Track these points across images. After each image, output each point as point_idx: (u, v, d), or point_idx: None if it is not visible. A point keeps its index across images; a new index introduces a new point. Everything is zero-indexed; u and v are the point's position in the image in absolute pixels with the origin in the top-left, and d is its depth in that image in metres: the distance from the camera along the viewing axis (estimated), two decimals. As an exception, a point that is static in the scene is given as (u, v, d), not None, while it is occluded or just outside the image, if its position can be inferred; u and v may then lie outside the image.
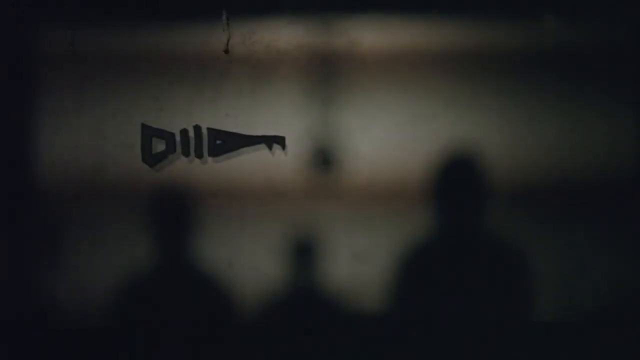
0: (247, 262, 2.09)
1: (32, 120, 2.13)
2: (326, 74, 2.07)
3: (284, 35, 2.09)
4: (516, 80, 2.05)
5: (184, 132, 2.09)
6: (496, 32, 2.06)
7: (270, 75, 2.09)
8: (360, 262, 2.07)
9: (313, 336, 2.07)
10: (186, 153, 2.09)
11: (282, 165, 2.08)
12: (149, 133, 2.09)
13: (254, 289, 2.09)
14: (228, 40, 2.05)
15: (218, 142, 2.08)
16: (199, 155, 2.09)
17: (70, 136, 2.13)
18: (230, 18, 2.09)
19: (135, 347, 2.11)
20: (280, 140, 2.07)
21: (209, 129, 2.08)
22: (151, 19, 2.11)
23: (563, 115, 2.05)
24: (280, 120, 2.08)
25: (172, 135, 2.09)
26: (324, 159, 2.07)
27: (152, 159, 2.09)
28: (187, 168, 2.10)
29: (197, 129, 2.08)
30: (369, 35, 2.07)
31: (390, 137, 2.06)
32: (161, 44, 2.11)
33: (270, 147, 2.08)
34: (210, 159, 2.09)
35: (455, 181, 2.06)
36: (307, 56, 2.08)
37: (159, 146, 2.10)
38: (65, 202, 2.12)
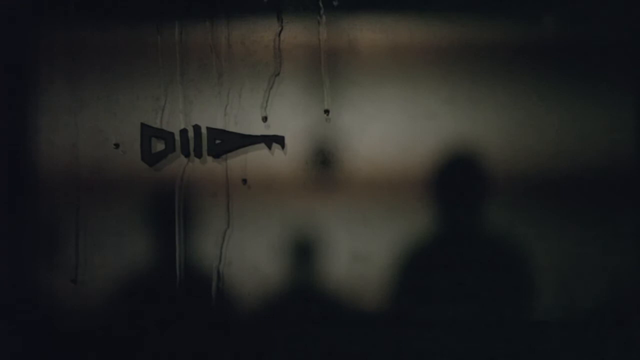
0: (247, 261, 2.08)
1: (32, 120, 2.14)
2: (326, 73, 2.07)
3: (283, 35, 2.09)
4: (516, 78, 2.05)
5: (184, 132, 2.09)
6: (496, 30, 2.05)
7: (270, 75, 2.09)
8: (360, 261, 2.06)
9: (312, 335, 2.07)
10: (186, 152, 2.09)
11: (282, 164, 2.08)
12: (148, 133, 2.10)
13: (253, 288, 2.09)
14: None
15: (217, 141, 2.08)
16: (199, 154, 2.09)
17: (70, 136, 2.13)
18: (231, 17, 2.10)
19: (134, 346, 2.11)
20: (280, 140, 2.07)
21: (208, 129, 2.08)
22: (151, 18, 2.12)
23: (563, 113, 2.04)
24: (280, 120, 2.08)
25: (172, 134, 2.09)
26: (323, 159, 2.07)
27: (151, 159, 2.10)
28: (186, 167, 2.10)
29: (196, 128, 2.09)
30: (369, 35, 2.07)
31: (390, 136, 2.06)
32: (161, 43, 2.11)
33: (269, 147, 2.08)
34: (209, 159, 2.09)
35: (455, 179, 2.06)
36: (307, 56, 2.08)
37: (159, 146, 2.10)
38: (65, 201, 2.12)
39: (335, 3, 2.05)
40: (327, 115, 2.04)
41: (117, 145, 2.10)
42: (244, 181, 2.07)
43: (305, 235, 2.07)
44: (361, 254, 2.06)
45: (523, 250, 2.04)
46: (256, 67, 2.09)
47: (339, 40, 2.08)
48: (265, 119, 2.04)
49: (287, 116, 2.08)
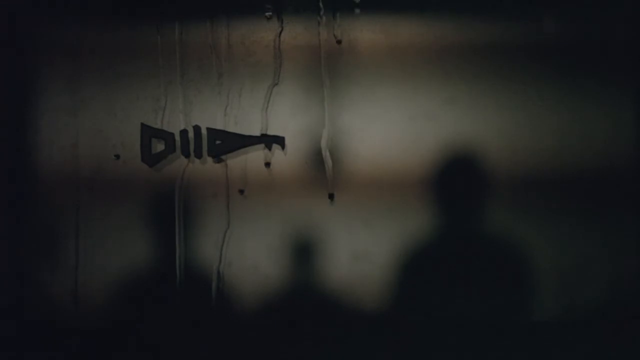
0: (247, 261, 2.09)
1: (32, 120, 2.14)
2: (326, 73, 2.07)
3: (283, 35, 2.09)
4: (516, 77, 2.05)
5: (184, 132, 2.09)
6: (496, 30, 2.05)
7: (270, 75, 2.09)
8: (360, 261, 2.06)
9: (312, 335, 2.07)
10: (186, 153, 2.09)
11: (282, 165, 2.08)
12: (148, 133, 2.10)
13: (253, 288, 2.09)
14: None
15: (217, 142, 2.08)
16: (199, 155, 2.09)
17: (70, 136, 2.13)
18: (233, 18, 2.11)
19: (134, 347, 2.11)
20: (280, 141, 2.07)
21: (208, 129, 2.08)
22: (151, 18, 2.11)
23: (564, 112, 2.04)
24: (280, 120, 2.08)
25: (172, 135, 2.09)
26: (323, 159, 2.07)
27: (151, 159, 2.10)
28: (186, 168, 2.10)
29: (196, 129, 2.09)
30: (369, 35, 2.07)
31: (390, 136, 2.06)
32: (161, 43, 2.11)
33: (269, 147, 2.08)
34: (209, 159, 2.09)
35: (456, 179, 2.06)
36: (307, 56, 2.08)
37: (159, 146, 2.10)
38: (65, 201, 2.12)
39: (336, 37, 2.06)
40: (332, 200, 2.05)
41: (117, 157, 2.10)
42: (241, 191, 2.07)
43: (305, 236, 2.08)
44: (361, 254, 2.06)
45: (524, 250, 2.04)
46: (256, 67, 2.09)
47: (339, 40, 2.08)
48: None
49: (287, 116, 2.08)
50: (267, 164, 2.04)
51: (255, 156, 2.09)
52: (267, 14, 2.08)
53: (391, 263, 2.06)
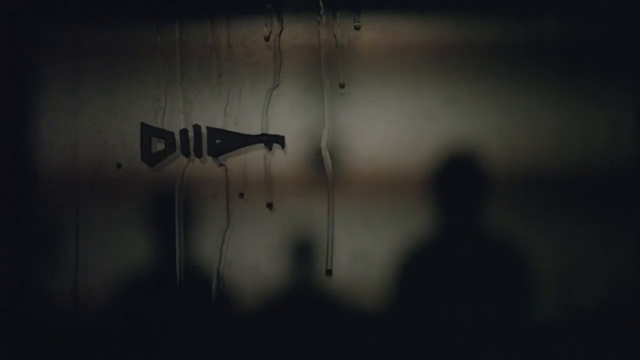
0: (247, 261, 2.08)
1: (32, 120, 2.14)
2: (326, 73, 2.07)
3: (283, 35, 2.10)
4: (516, 77, 2.05)
5: (184, 132, 2.09)
6: (496, 30, 2.06)
7: (270, 75, 2.09)
8: (360, 261, 2.06)
9: (312, 335, 2.07)
10: (186, 152, 2.09)
11: (282, 164, 2.08)
12: (148, 133, 2.10)
13: (253, 288, 2.09)
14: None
15: (217, 141, 2.08)
16: (199, 154, 2.09)
17: (70, 136, 2.13)
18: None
19: (134, 347, 2.11)
20: (280, 140, 2.07)
21: (208, 128, 2.08)
22: (151, 18, 2.12)
23: (564, 113, 2.04)
24: (280, 120, 2.08)
25: (172, 134, 2.09)
26: (323, 158, 2.07)
27: (151, 159, 2.10)
28: (186, 167, 2.10)
29: (196, 128, 2.09)
30: (369, 34, 2.08)
31: (390, 136, 2.06)
32: (161, 43, 2.11)
33: (269, 147, 2.08)
34: (209, 159, 2.09)
35: (456, 179, 2.06)
36: (306, 55, 2.08)
37: (159, 146, 2.10)
38: (65, 201, 2.12)
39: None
40: (330, 275, 2.05)
41: (119, 165, 2.10)
42: (241, 195, 2.07)
43: (305, 236, 2.07)
44: (361, 254, 2.06)
45: (524, 250, 2.04)
46: (256, 67, 2.09)
47: (339, 40, 2.08)
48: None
49: (287, 116, 2.08)
50: (269, 205, 2.05)
51: (255, 155, 2.09)
52: (265, 35, 2.08)
53: (391, 263, 2.06)
